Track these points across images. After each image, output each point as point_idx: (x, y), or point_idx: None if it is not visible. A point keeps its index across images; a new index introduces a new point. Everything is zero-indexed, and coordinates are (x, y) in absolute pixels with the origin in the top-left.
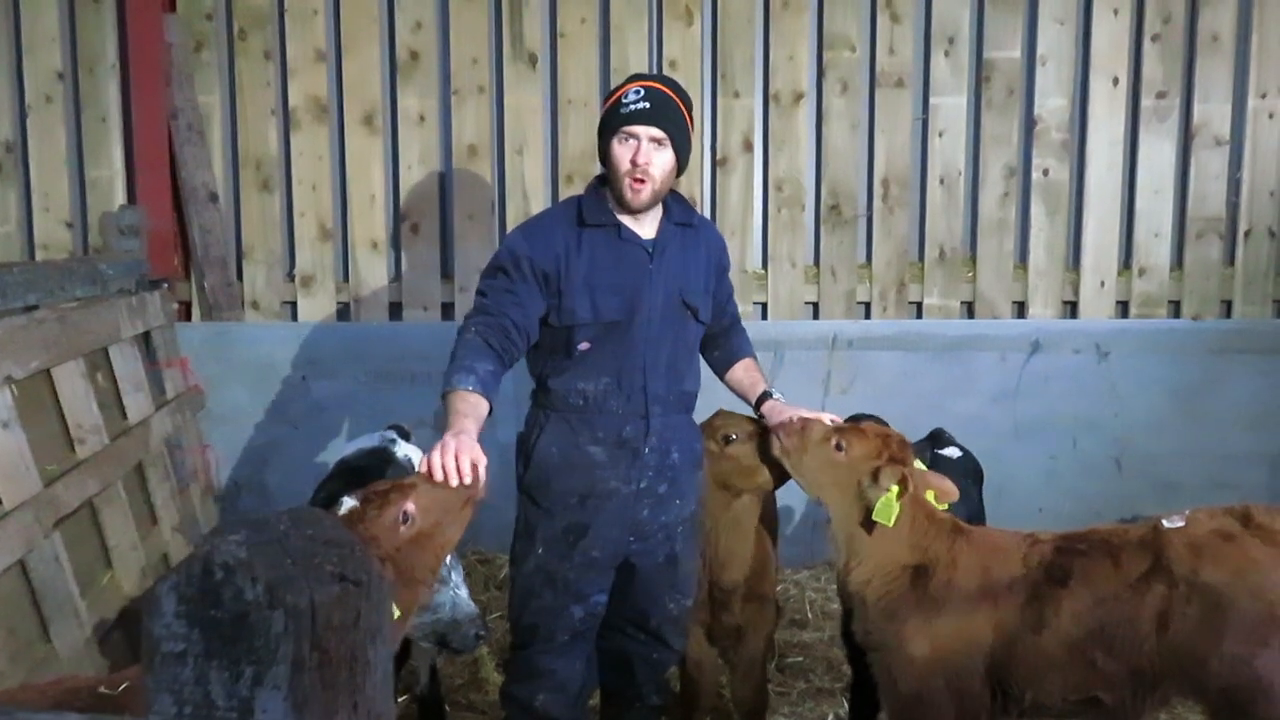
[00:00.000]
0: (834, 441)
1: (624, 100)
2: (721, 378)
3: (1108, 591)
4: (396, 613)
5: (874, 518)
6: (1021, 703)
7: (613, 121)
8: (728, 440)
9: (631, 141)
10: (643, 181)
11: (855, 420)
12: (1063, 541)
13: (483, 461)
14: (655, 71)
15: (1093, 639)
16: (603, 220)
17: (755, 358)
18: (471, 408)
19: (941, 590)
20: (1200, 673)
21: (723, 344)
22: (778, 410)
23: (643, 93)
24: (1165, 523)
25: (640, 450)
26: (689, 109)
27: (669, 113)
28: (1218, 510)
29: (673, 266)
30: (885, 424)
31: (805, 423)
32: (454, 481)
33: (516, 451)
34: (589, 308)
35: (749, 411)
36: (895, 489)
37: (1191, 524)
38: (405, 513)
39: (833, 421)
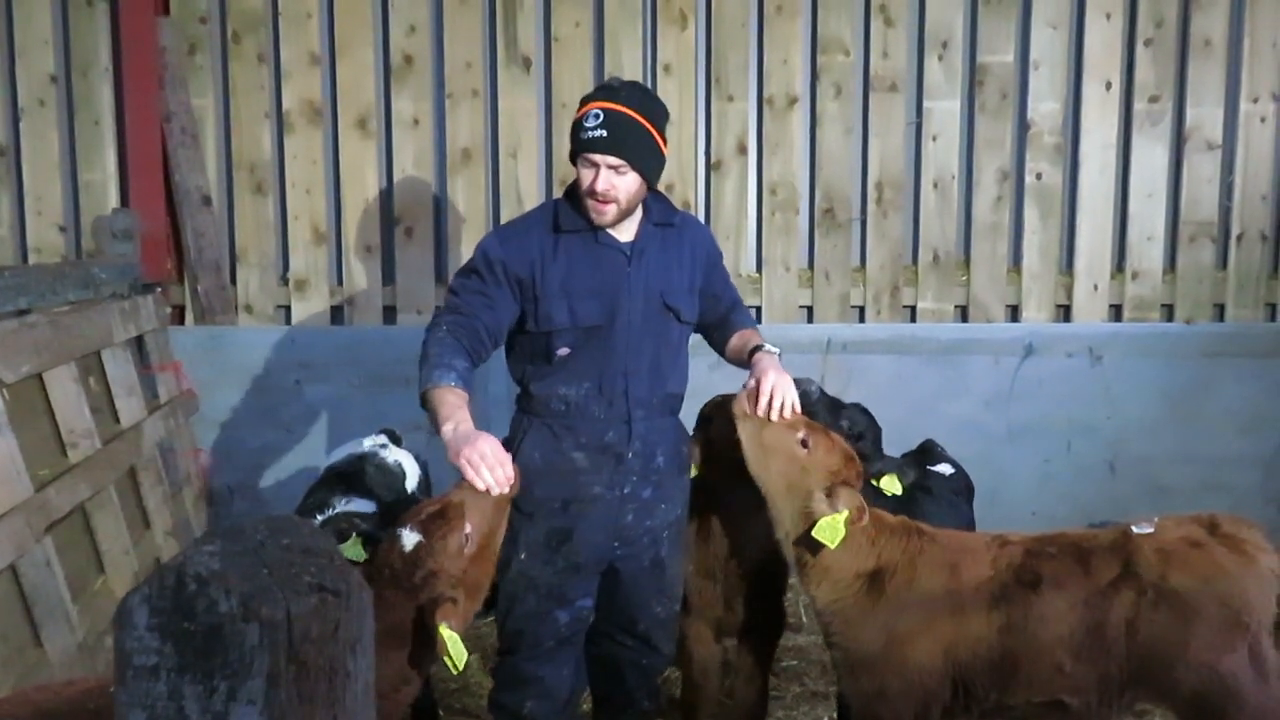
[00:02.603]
0: (800, 435)
1: (584, 124)
2: (725, 358)
3: (1076, 596)
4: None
5: (815, 534)
6: (985, 703)
7: (575, 141)
8: (709, 422)
9: (591, 168)
10: (606, 203)
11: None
12: (1032, 545)
13: (509, 459)
14: (650, 76)
15: (1060, 643)
16: (579, 225)
17: (755, 328)
18: (461, 399)
19: (900, 591)
20: (1167, 678)
21: (721, 327)
22: (760, 365)
23: (601, 117)
24: (1134, 529)
25: (624, 455)
26: (659, 120)
27: (627, 138)
28: (1185, 518)
29: (653, 269)
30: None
31: (775, 400)
32: (500, 492)
33: None
34: (566, 313)
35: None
36: (846, 514)
37: (1160, 530)
38: (467, 535)
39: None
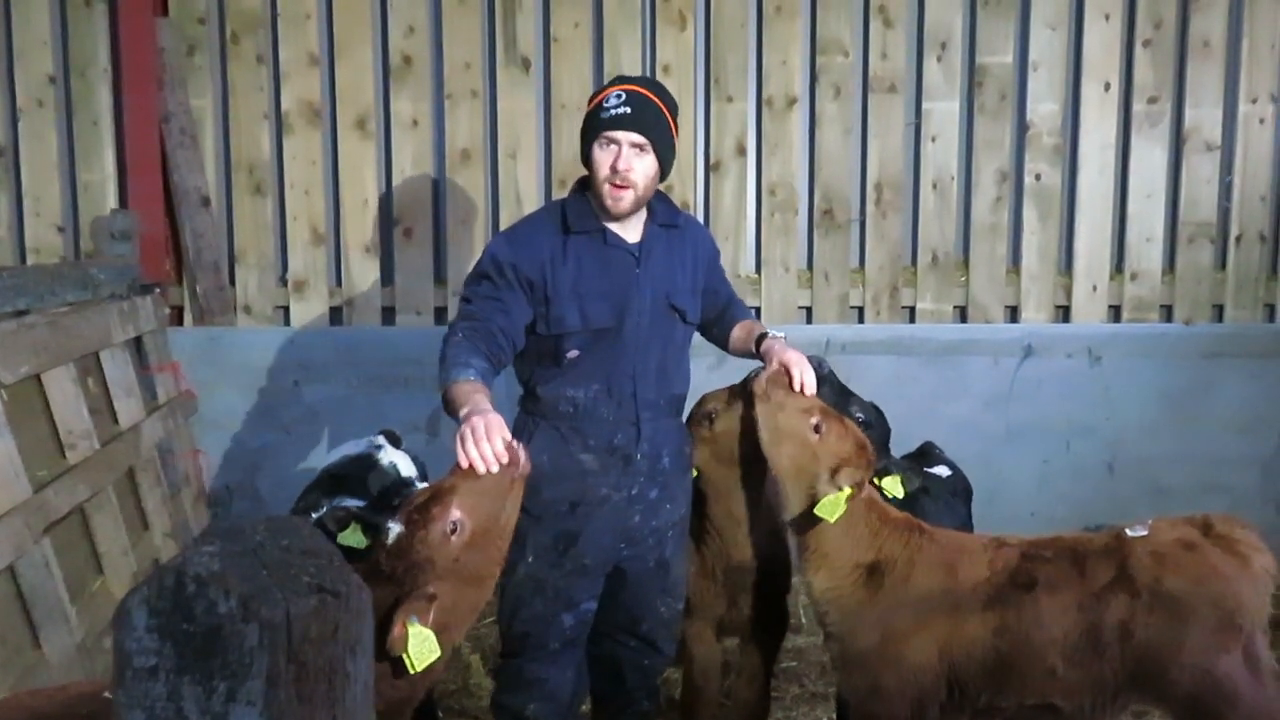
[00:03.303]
0: (814, 421)
1: (605, 104)
2: (727, 350)
3: (1071, 599)
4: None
5: (816, 511)
6: (977, 703)
7: (594, 126)
8: (711, 419)
9: (612, 147)
10: (624, 188)
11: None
12: (1028, 548)
13: (508, 434)
14: (649, 75)
15: (1054, 646)
16: (588, 226)
17: (754, 319)
18: (477, 388)
19: (897, 587)
20: (1162, 680)
21: (719, 322)
22: (775, 350)
23: (624, 96)
24: (1128, 531)
25: (632, 457)
26: (673, 112)
27: (650, 118)
28: (1179, 520)
29: (659, 270)
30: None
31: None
32: (493, 469)
33: None
34: (578, 315)
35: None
36: (848, 490)
37: (1154, 533)
38: (454, 523)
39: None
